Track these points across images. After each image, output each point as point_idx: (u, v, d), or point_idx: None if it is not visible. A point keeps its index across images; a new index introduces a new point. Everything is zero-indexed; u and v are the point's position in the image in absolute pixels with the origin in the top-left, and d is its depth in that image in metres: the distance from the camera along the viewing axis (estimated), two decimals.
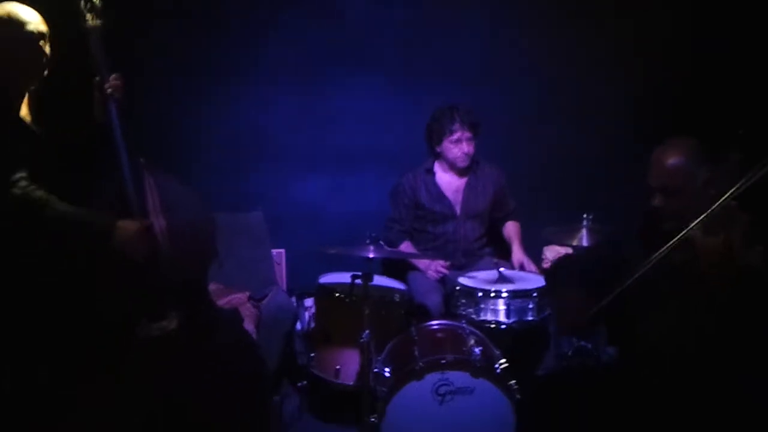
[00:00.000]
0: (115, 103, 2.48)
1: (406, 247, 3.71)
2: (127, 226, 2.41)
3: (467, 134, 3.59)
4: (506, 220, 3.85)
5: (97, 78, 2.48)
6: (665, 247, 2.18)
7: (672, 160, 2.27)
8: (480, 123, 3.62)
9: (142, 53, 3.63)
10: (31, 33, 2.39)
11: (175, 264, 2.54)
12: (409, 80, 4.07)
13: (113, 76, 2.50)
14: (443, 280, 3.58)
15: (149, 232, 2.46)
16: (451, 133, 3.59)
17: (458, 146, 3.61)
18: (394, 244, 3.65)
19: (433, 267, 3.61)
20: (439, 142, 3.64)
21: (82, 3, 2.46)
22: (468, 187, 3.74)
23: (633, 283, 2.23)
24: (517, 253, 3.65)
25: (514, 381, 2.77)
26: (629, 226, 2.77)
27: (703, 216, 2.10)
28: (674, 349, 2.26)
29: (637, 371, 2.35)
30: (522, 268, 3.56)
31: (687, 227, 2.16)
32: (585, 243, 3.28)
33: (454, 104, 3.63)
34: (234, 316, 2.87)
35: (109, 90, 2.47)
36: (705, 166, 2.27)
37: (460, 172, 3.73)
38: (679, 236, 2.16)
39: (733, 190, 2.06)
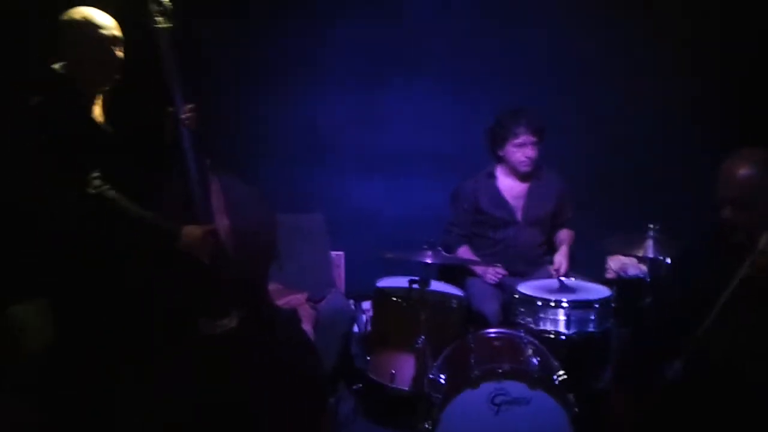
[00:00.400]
0: (188, 131, 2.56)
1: (464, 252, 3.67)
2: (193, 232, 2.47)
3: (532, 138, 3.53)
4: (561, 228, 3.76)
5: (171, 108, 2.55)
6: (741, 269, 2.09)
7: (743, 171, 2.20)
8: (545, 128, 3.56)
9: (207, 55, 3.72)
10: (106, 37, 2.47)
11: (238, 264, 2.60)
12: (466, 84, 4.05)
13: (188, 107, 2.56)
14: (502, 288, 3.54)
15: (214, 236, 2.51)
16: (516, 136, 3.53)
17: (522, 150, 3.56)
18: (452, 248, 3.62)
19: (491, 271, 3.57)
20: (503, 145, 3.60)
21: (153, 5, 2.53)
22: (530, 193, 3.69)
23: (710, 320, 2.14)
24: (559, 255, 3.53)
25: (572, 394, 2.71)
26: (695, 238, 2.67)
27: None
28: (744, 366, 2.18)
29: (703, 388, 2.27)
30: (558, 270, 3.45)
31: (756, 240, 2.09)
32: (651, 254, 3.19)
33: (521, 107, 3.57)
34: (292, 316, 2.92)
35: (185, 121, 2.54)
36: None
37: (522, 177, 3.67)
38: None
39: None
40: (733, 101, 3.88)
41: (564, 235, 3.72)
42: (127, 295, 2.46)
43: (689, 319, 2.29)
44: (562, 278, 3.31)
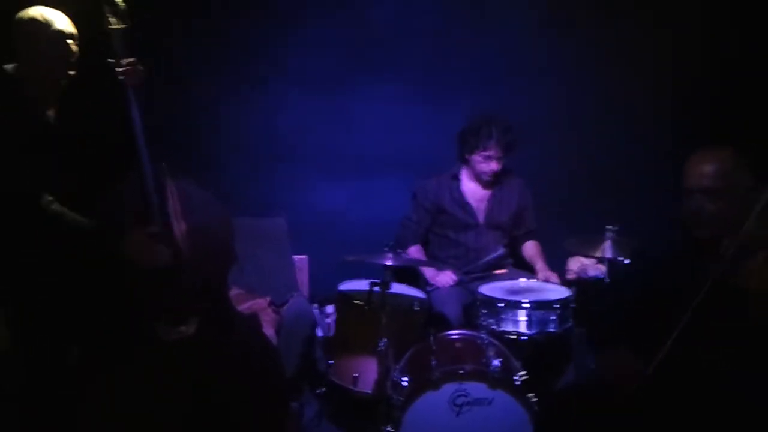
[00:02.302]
0: (133, 90, 2.48)
1: (415, 251, 3.71)
2: (133, 237, 2.42)
3: (500, 153, 3.57)
4: (526, 239, 3.79)
5: (111, 60, 2.47)
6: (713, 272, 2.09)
7: (712, 161, 2.19)
8: (515, 143, 3.59)
9: (163, 56, 3.65)
10: (59, 32, 2.48)
11: (195, 268, 2.56)
12: (432, 88, 4.04)
13: (129, 60, 2.47)
14: (465, 290, 3.55)
15: (159, 241, 2.46)
16: (485, 149, 3.57)
17: (488, 163, 3.59)
18: (405, 244, 3.64)
19: (442, 276, 3.59)
20: (471, 152, 3.62)
21: (106, 6, 2.50)
22: (493, 197, 3.72)
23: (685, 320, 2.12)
24: (543, 271, 3.57)
25: (533, 394, 2.73)
26: (654, 238, 2.70)
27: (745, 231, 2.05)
28: (704, 367, 2.19)
29: (663, 388, 2.26)
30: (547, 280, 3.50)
31: (721, 237, 2.09)
32: (608, 255, 3.23)
33: (494, 117, 3.59)
34: (253, 320, 2.89)
35: (125, 75, 2.45)
36: (746, 174, 2.20)
37: (485, 183, 3.71)
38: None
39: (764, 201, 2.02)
40: (692, 104, 3.93)
41: (533, 249, 3.74)
42: (80, 301, 2.41)
43: (649, 317, 2.31)
44: (523, 279, 3.34)
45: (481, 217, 3.71)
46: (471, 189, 3.73)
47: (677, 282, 2.21)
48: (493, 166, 3.59)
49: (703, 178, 2.19)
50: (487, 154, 3.57)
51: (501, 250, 3.63)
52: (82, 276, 2.42)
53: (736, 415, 2.11)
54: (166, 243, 2.48)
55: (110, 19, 2.50)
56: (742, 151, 2.23)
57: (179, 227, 2.56)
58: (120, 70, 2.46)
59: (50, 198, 2.37)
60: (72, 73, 2.53)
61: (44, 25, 2.47)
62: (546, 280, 3.50)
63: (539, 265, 3.62)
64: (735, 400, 2.12)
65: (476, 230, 3.70)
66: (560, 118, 4.06)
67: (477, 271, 3.64)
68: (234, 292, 3.25)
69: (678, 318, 2.16)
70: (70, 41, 2.50)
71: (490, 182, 3.69)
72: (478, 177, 3.68)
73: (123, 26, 2.51)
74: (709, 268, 2.14)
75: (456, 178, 3.73)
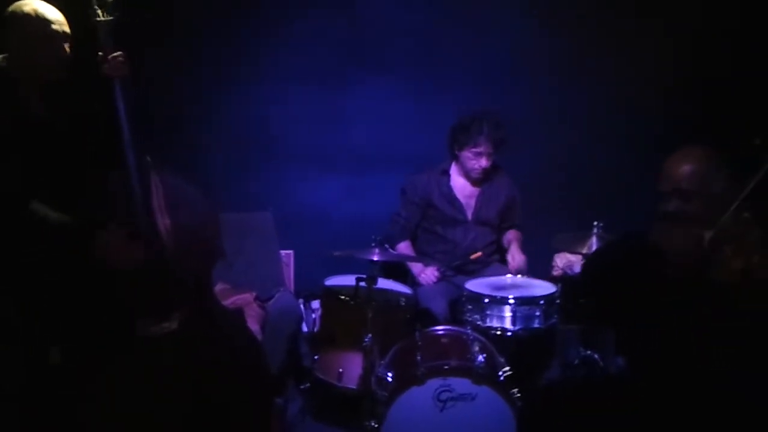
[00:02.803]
0: (119, 82, 2.46)
1: (404, 247, 3.71)
2: (106, 236, 2.38)
3: (490, 150, 3.57)
4: (508, 229, 3.80)
5: (100, 53, 2.46)
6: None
7: (687, 163, 2.22)
8: (505, 139, 3.60)
9: (150, 49, 3.64)
10: (57, 32, 2.42)
11: (179, 263, 2.55)
12: (423, 83, 4.05)
13: (114, 54, 2.46)
14: (452, 285, 3.56)
15: (136, 239, 2.43)
16: (475, 145, 3.57)
17: (477, 160, 3.60)
18: (394, 240, 3.64)
19: (427, 272, 3.60)
20: (461, 148, 3.63)
21: None
22: (482, 193, 3.73)
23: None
24: (513, 252, 3.57)
25: (516, 389, 2.74)
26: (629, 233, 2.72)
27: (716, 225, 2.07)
28: (684, 361, 2.20)
29: (645, 383, 2.29)
30: (517, 265, 3.51)
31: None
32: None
33: (486, 113, 3.59)
34: (237, 315, 2.88)
35: (111, 66, 2.44)
36: (722, 174, 2.21)
37: (474, 180, 3.71)
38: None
39: (741, 196, 2.04)
40: (680, 101, 3.95)
41: (511, 235, 3.76)
42: (61, 298, 2.39)
43: (632, 313, 2.33)
44: (509, 275, 3.35)
45: (469, 213, 3.71)
46: (460, 185, 3.74)
47: (650, 279, 2.22)
48: (483, 162, 3.60)
49: (679, 180, 2.21)
50: (477, 150, 3.57)
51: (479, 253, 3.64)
52: (63, 273, 2.39)
53: (726, 411, 2.12)
54: (150, 237, 2.47)
55: (98, 11, 2.48)
56: (719, 151, 2.25)
57: (164, 222, 2.54)
58: (107, 63, 2.44)
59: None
60: (63, 72, 2.49)
61: (42, 23, 2.40)
62: (516, 265, 3.50)
63: (512, 248, 3.61)
64: (723, 395, 2.13)
65: (464, 226, 3.71)
66: (549, 115, 4.08)
67: (457, 261, 3.64)
68: (219, 287, 3.25)
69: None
70: (64, 43, 2.45)
71: (479, 179, 3.69)
72: (467, 174, 3.68)
73: (110, 19, 2.49)
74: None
75: (445, 173, 3.74)
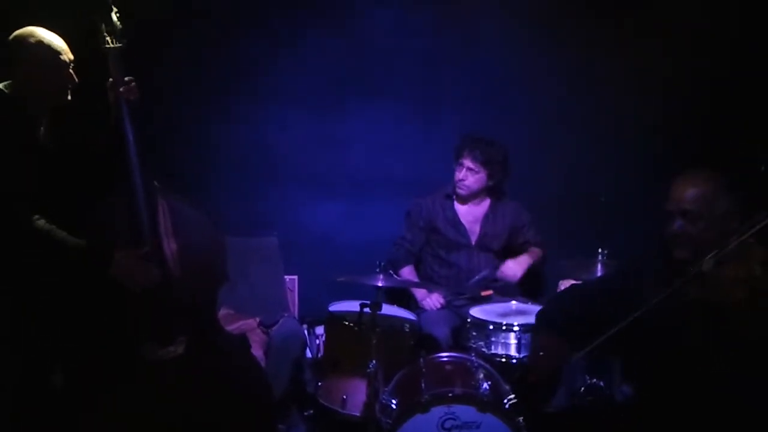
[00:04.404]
0: (128, 107, 2.51)
1: (408, 272, 3.70)
2: (125, 259, 2.41)
3: (471, 165, 3.59)
4: (528, 246, 3.76)
5: (110, 79, 2.51)
6: (675, 285, 2.14)
7: (693, 185, 2.26)
8: (491, 161, 3.60)
9: (158, 74, 3.67)
10: (65, 62, 2.46)
11: (184, 288, 2.55)
12: (425, 107, 4.06)
13: (127, 78, 2.52)
14: (454, 312, 3.55)
15: (149, 261, 2.45)
16: (459, 158, 3.63)
17: (460, 171, 3.63)
18: (397, 264, 3.64)
19: (432, 298, 3.59)
20: (454, 165, 3.66)
21: (103, 25, 2.51)
22: (486, 219, 3.73)
23: (634, 321, 2.16)
24: (512, 261, 3.60)
25: (521, 417, 2.71)
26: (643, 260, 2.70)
27: (717, 251, 2.10)
28: (693, 388, 2.20)
29: (653, 411, 2.28)
30: (505, 276, 3.54)
31: (700, 258, 2.13)
32: None
33: (478, 134, 3.65)
34: (242, 341, 2.87)
35: (124, 92, 2.49)
36: (727, 197, 2.24)
37: (474, 200, 3.71)
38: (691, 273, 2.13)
39: (752, 231, 2.07)
40: (683, 126, 3.95)
41: (530, 249, 3.73)
42: (66, 321, 2.39)
43: (638, 341, 2.32)
44: (515, 302, 3.35)
45: (473, 238, 3.71)
46: (465, 209, 3.74)
47: (653, 299, 2.21)
48: (465, 176, 3.61)
49: (684, 202, 2.25)
50: (460, 162, 3.61)
51: (485, 272, 3.62)
52: (68, 295, 2.40)
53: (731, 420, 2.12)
54: (156, 262, 2.48)
55: (107, 38, 2.51)
56: (723, 174, 2.29)
57: (170, 246, 2.55)
58: (120, 88, 2.48)
59: (38, 216, 2.35)
60: (69, 99, 2.52)
61: (52, 53, 2.44)
62: (505, 274, 3.54)
63: (517, 258, 3.63)
64: (732, 421, 2.13)
65: (468, 251, 3.70)
66: (554, 139, 4.08)
67: (465, 293, 3.64)
68: (223, 312, 3.24)
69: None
70: (71, 70, 2.49)
71: (464, 196, 3.69)
72: (454, 189, 3.69)
73: (119, 46, 2.52)
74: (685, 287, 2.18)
75: (449, 197, 3.74)
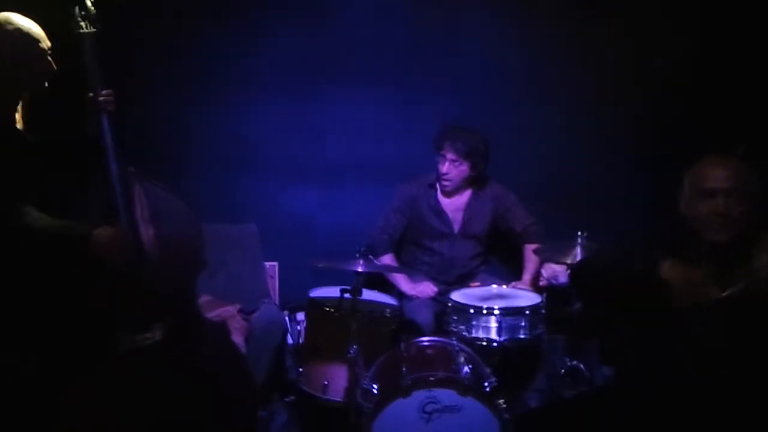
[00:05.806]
0: (107, 116, 2.48)
1: (388, 259, 3.70)
2: (103, 233, 2.38)
3: (452, 156, 3.57)
4: (527, 239, 3.72)
5: (90, 94, 2.48)
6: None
7: (731, 164, 2.17)
8: (473, 152, 3.59)
9: (134, 61, 3.62)
10: (43, 50, 2.41)
11: (162, 274, 2.52)
12: (404, 93, 4.04)
13: (105, 91, 2.50)
14: (438, 299, 3.55)
15: (128, 238, 2.43)
16: (440, 149, 3.60)
17: (443, 164, 3.61)
18: (378, 251, 3.63)
19: (422, 288, 3.58)
20: (436, 155, 3.64)
21: (77, 10, 2.46)
22: (468, 206, 3.73)
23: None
24: (525, 282, 3.59)
25: (502, 400, 2.73)
26: (625, 244, 2.71)
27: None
28: (672, 369, 2.19)
29: (634, 393, 2.27)
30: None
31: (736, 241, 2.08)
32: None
33: (460, 124, 3.63)
34: (221, 328, 2.85)
35: (102, 104, 2.47)
36: (757, 177, 2.17)
37: (456, 190, 3.70)
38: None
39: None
40: (664, 112, 3.96)
41: (527, 256, 3.69)
42: (41, 307, 2.36)
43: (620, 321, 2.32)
44: (495, 286, 3.36)
45: (456, 227, 3.71)
46: (447, 199, 3.73)
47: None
48: (446, 168, 3.59)
49: (727, 179, 2.13)
50: (441, 154, 3.59)
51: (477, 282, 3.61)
52: (43, 281, 2.36)
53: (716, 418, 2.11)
54: (134, 248, 2.45)
55: (81, 23, 2.47)
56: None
57: (147, 232, 2.52)
58: (100, 100, 2.45)
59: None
60: (47, 86, 2.47)
61: (31, 41, 2.38)
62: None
63: (525, 275, 3.63)
64: (714, 403, 2.12)
65: (450, 239, 3.71)
66: (533, 125, 4.08)
67: (453, 284, 3.63)
68: (203, 299, 3.21)
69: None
70: (50, 59, 2.43)
71: (447, 189, 3.68)
72: (438, 180, 3.68)
73: (93, 30, 2.48)
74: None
75: (432, 186, 3.73)
